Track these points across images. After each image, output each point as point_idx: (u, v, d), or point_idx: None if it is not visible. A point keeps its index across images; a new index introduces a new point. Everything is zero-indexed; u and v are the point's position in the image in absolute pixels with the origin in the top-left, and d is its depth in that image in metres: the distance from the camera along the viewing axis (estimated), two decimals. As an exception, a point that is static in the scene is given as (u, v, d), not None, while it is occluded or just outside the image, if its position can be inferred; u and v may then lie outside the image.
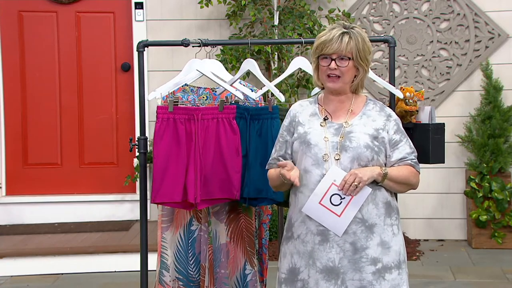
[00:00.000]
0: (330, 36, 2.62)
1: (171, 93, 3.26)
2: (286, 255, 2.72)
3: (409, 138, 2.73)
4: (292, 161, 2.74)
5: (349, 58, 2.63)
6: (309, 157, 2.63)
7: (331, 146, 2.62)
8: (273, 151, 2.81)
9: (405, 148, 2.69)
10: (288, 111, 2.82)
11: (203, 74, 3.22)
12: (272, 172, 2.77)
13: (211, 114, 3.11)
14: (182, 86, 3.30)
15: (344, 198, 2.55)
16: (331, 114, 2.71)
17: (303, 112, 2.76)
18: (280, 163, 2.63)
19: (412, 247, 5.74)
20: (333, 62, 2.62)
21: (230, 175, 3.10)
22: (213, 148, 3.10)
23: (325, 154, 2.62)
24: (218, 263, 3.24)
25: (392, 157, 2.66)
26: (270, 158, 2.82)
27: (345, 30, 2.63)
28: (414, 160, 2.69)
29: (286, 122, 2.80)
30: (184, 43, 3.28)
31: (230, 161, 3.10)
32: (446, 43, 6.01)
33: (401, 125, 2.74)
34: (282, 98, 3.24)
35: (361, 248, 2.60)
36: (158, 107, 3.09)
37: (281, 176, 2.62)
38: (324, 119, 2.69)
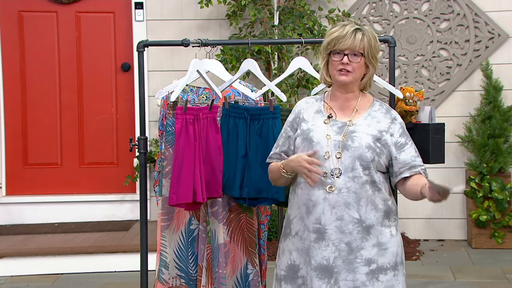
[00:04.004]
0: (343, 32, 2.62)
1: (171, 92, 3.26)
2: (285, 252, 2.72)
3: (413, 142, 2.73)
4: None
5: (362, 55, 2.63)
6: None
7: (333, 144, 2.62)
8: (275, 145, 2.81)
9: (411, 151, 2.68)
10: (294, 107, 2.82)
11: (201, 75, 3.22)
12: (273, 166, 2.77)
13: (205, 114, 3.14)
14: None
15: None
16: (336, 112, 2.70)
17: (308, 109, 2.76)
18: (309, 152, 2.55)
19: (412, 247, 5.74)
20: (345, 57, 2.62)
21: (215, 174, 3.13)
22: (206, 147, 3.13)
23: (326, 152, 2.62)
24: (217, 263, 3.24)
25: (399, 159, 2.65)
26: (272, 153, 2.81)
27: (358, 27, 2.64)
28: (424, 168, 2.68)
29: (290, 118, 2.79)
30: (184, 43, 3.28)
31: (215, 160, 3.13)
32: (446, 43, 6.01)
33: (405, 128, 2.74)
34: (284, 97, 3.23)
35: (356, 249, 2.59)
36: (177, 107, 3.10)
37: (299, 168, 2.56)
38: (328, 117, 2.69)
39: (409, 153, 2.67)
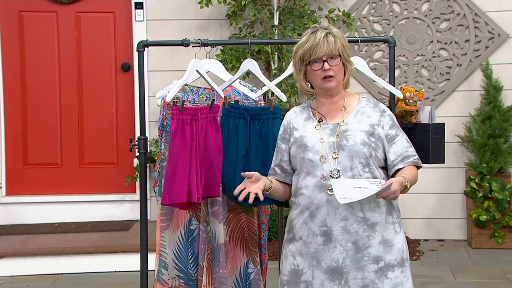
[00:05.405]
0: (316, 40, 2.63)
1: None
2: (288, 257, 2.72)
3: (404, 133, 2.74)
4: (291, 168, 2.76)
5: (339, 56, 2.65)
6: (308, 160, 2.65)
7: (328, 146, 2.63)
8: (272, 160, 2.84)
9: (402, 142, 2.70)
10: (283, 120, 2.84)
11: (201, 75, 3.21)
12: None
13: (205, 113, 3.14)
14: (182, 86, 3.30)
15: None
16: (325, 116, 2.72)
17: (297, 118, 2.78)
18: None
19: (412, 247, 5.74)
20: (325, 63, 2.64)
21: (214, 173, 3.12)
22: (204, 147, 3.12)
23: (322, 156, 2.62)
24: (217, 263, 3.24)
25: (390, 152, 2.67)
26: (270, 168, 2.84)
27: (327, 31, 2.66)
28: (416, 157, 2.70)
29: (280, 131, 2.83)
30: (184, 43, 3.28)
31: (214, 159, 3.13)
32: (446, 43, 6.01)
33: (395, 120, 2.76)
34: (283, 97, 3.24)
35: (363, 247, 2.60)
36: (173, 108, 3.10)
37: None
38: (319, 121, 2.70)
39: (401, 144, 2.69)
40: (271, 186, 2.71)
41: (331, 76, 2.65)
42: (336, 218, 2.60)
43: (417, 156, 2.71)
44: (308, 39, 2.65)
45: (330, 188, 2.59)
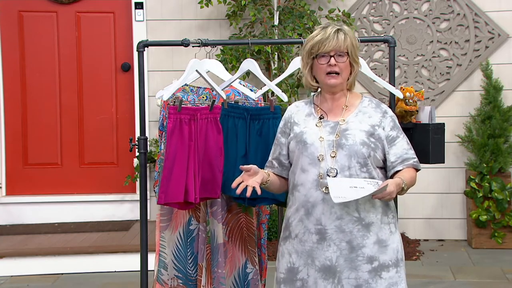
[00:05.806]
0: (326, 34, 2.64)
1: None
2: (284, 255, 2.72)
3: (405, 134, 2.74)
4: (289, 162, 2.75)
5: (347, 54, 2.65)
6: (306, 157, 2.64)
7: (327, 145, 2.63)
8: (270, 153, 2.83)
9: (403, 144, 2.69)
10: (284, 114, 2.84)
11: (201, 75, 3.21)
12: None
13: (205, 114, 3.14)
14: (182, 86, 3.30)
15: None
16: (327, 113, 2.72)
17: (299, 112, 2.78)
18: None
19: (412, 247, 5.74)
20: (332, 58, 2.63)
21: (214, 174, 3.12)
22: (204, 147, 3.12)
23: (320, 154, 2.62)
24: (216, 263, 3.24)
25: (390, 154, 2.66)
26: (267, 161, 2.83)
27: (339, 28, 2.66)
28: (416, 160, 2.70)
29: (281, 124, 2.82)
30: (184, 43, 3.28)
31: (215, 160, 3.12)
32: (446, 43, 6.01)
33: (397, 121, 2.75)
34: (285, 97, 3.23)
35: (357, 247, 2.60)
36: (170, 107, 3.10)
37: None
38: (320, 118, 2.70)
39: (401, 146, 2.69)
40: (268, 180, 2.70)
41: (336, 73, 2.65)
42: (331, 217, 2.60)
43: (416, 159, 2.71)
44: (318, 33, 2.66)
45: (326, 186, 2.58)
